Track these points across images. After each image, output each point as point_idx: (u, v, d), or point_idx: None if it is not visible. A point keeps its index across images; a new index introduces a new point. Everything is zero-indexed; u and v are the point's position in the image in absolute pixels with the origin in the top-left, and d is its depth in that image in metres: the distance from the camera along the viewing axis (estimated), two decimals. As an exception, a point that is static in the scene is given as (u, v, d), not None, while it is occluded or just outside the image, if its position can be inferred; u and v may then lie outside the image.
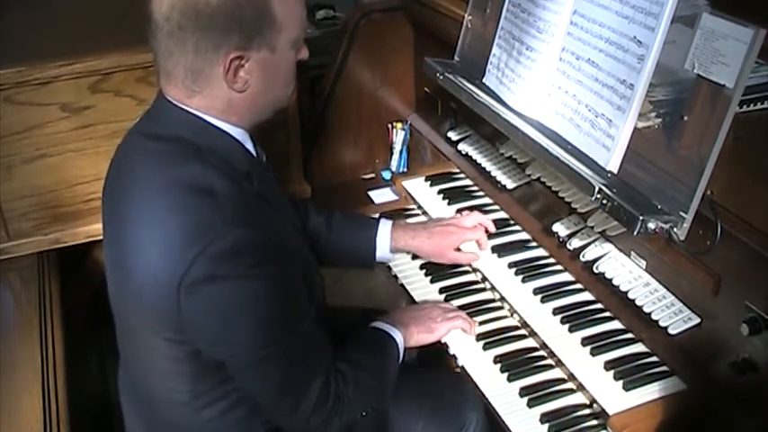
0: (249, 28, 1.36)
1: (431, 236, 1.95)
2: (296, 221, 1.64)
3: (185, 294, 1.34)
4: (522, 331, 1.76)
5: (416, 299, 1.91)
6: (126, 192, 1.47)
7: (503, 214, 2.09)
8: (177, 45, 1.37)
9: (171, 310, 1.36)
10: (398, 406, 1.73)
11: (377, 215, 2.09)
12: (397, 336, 1.70)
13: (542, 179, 1.98)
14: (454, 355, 1.73)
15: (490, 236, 1.99)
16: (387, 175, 2.55)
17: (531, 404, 1.57)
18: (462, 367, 1.70)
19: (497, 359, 1.68)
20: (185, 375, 1.48)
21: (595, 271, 1.72)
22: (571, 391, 1.60)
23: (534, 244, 1.96)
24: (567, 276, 1.84)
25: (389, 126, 2.54)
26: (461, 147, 2.28)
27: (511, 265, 1.90)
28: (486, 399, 1.61)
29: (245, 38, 1.37)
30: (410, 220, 2.14)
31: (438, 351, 1.80)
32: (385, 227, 1.94)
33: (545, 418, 1.54)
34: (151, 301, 1.40)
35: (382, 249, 1.93)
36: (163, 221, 1.37)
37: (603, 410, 1.49)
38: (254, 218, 1.40)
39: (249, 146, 1.52)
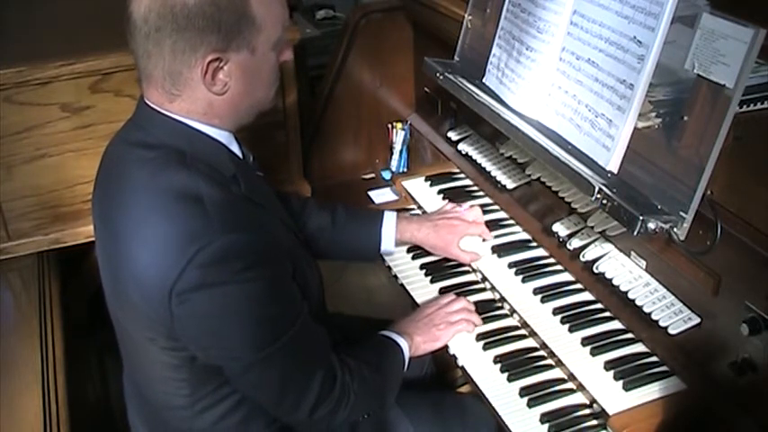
0: (227, 29, 1.35)
1: (436, 228, 1.96)
2: (286, 218, 1.63)
3: (177, 303, 1.33)
4: (522, 331, 1.76)
5: (416, 299, 1.91)
6: (116, 200, 1.45)
7: (503, 214, 2.09)
8: (155, 47, 1.36)
9: (164, 319, 1.37)
10: (414, 424, 1.74)
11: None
12: (403, 344, 1.71)
13: (542, 179, 1.98)
14: (454, 355, 1.73)
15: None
16: (387, 175, 2.55)
17: (531, 404, 1.57)
18: (462, 367, 1.70)
19: (497, 359, 1.68)
20: (183, 381, 1.48)
21: (595, 271, 1.72)
22: (571, 391, 1.60)
23: (534, 244, 1.96)
24: (566, 276, 1.83)
25: (389, 126, 2.54)
26: (461, 147, 2.28)
27: (511, 265, 1.90)
28: (487, 399, 1.61)
29: (223, 39, 1.35)
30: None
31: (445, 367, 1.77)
32: (390, 219, 1.95)
33: (545, 418, 1.54)
34: (144, 310, 1.40)
35: (387, 242, 1.94)
36: (152, 231, 1.36)
37: (603, 410, 1.49)
38: (242, 222, 1.39)
39: (234, 148, 1.52)
